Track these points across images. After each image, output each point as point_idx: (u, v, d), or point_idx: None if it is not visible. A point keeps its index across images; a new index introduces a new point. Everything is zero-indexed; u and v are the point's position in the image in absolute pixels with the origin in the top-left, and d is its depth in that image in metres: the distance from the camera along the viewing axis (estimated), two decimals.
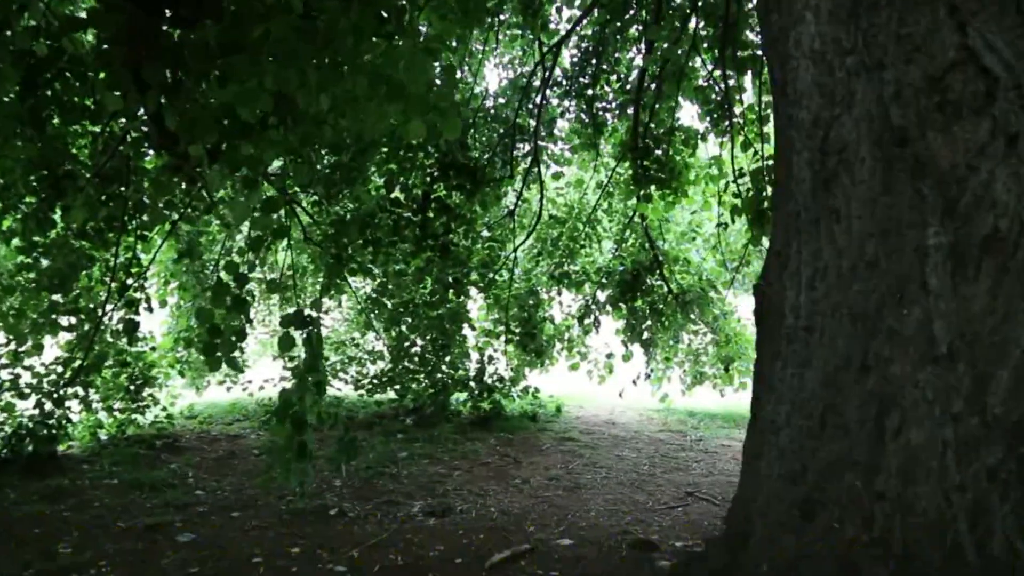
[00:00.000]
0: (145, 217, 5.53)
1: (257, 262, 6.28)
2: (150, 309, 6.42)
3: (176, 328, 8.16)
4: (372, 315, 8.38)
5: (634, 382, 8.97)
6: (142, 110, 4.07)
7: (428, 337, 8.26)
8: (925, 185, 1.98)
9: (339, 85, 3.44)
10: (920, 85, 2.01)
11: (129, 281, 5.98)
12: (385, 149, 7.21)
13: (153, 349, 7.49)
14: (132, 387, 7.07)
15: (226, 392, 8.56)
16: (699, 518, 5.52)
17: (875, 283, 2.06)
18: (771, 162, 7.23)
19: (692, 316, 8.69)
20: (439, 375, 8.37)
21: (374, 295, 8.00)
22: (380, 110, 3.54)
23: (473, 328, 8.39)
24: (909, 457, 1.93)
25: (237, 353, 4.95)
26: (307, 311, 4.42)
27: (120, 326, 6.03)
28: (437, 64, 5.60)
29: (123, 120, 5.05)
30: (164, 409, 7.55)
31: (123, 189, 5.33)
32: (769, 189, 5.74)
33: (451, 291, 7.95)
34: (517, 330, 8.73)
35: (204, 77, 3.60)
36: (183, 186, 5.46)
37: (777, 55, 2.52)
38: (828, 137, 2.24)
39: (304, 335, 4.43)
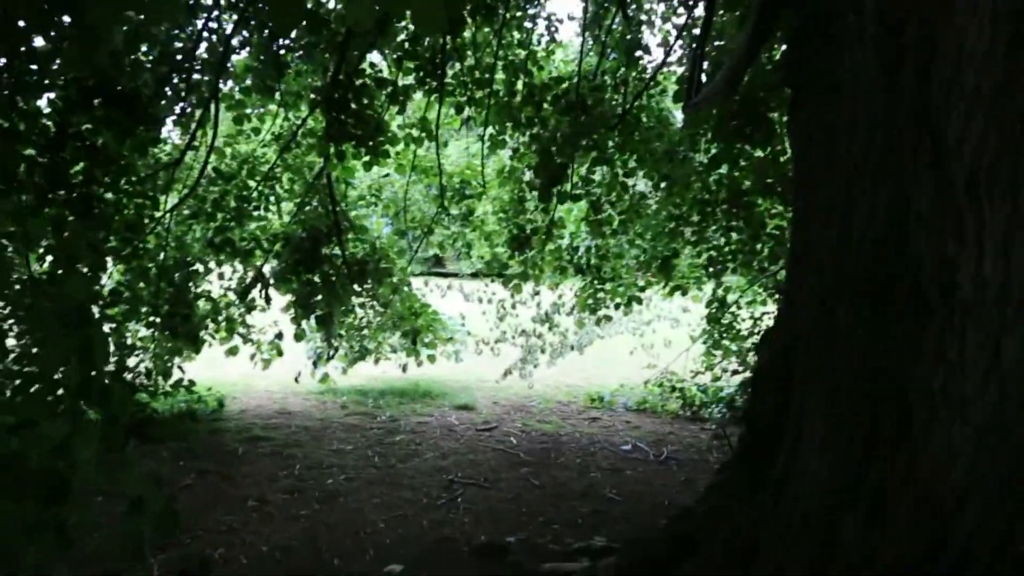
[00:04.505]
0: None
1: None
2: None
3: None
4: None
5: (315, 363, 7.97)
6: None
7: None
8: None
9: None
10: None
11: None
12: None
13: None
14: None
15: None
16: (494, 505, 5.17)
17: None
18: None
19: (366, 287, 8.06)
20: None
21: None
22: None
23: (136, 311, 6.35)
24: None
25: None
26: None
27: None
28: None
29: None
30: None
31: None
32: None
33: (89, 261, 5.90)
34: (163, 310, 6.93)
35: None
36: None
37: (921, 15, 2.38)
38: None
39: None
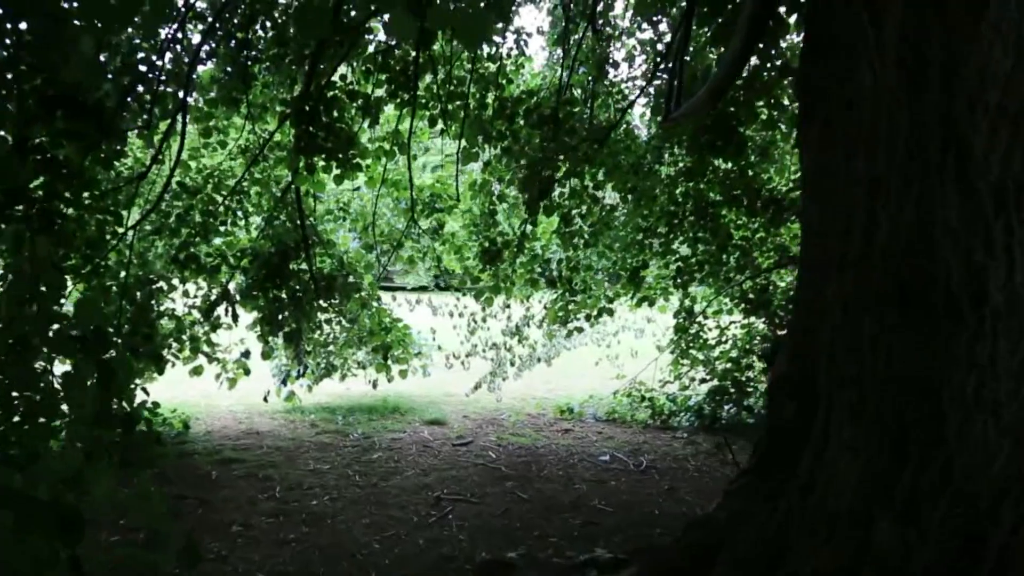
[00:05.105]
0: None
1: None
2: None
3: None
4: None
5: (284, 382, 7.75)
6: None
7: None
8: None
9: None
10: None
11: None
12: None
13: None
14: None
15: None
16: (486, 521, 5.12)
17: None
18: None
19: (333, 302, 7.91)
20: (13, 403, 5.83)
21: None
22: None
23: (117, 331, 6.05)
24: None
25: None
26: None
27: None
28: None
29: None
30: None
31: None
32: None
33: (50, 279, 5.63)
34: (125, 329, 6.65)
35: None
36: None
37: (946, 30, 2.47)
38: None
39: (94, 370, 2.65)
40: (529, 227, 7.84)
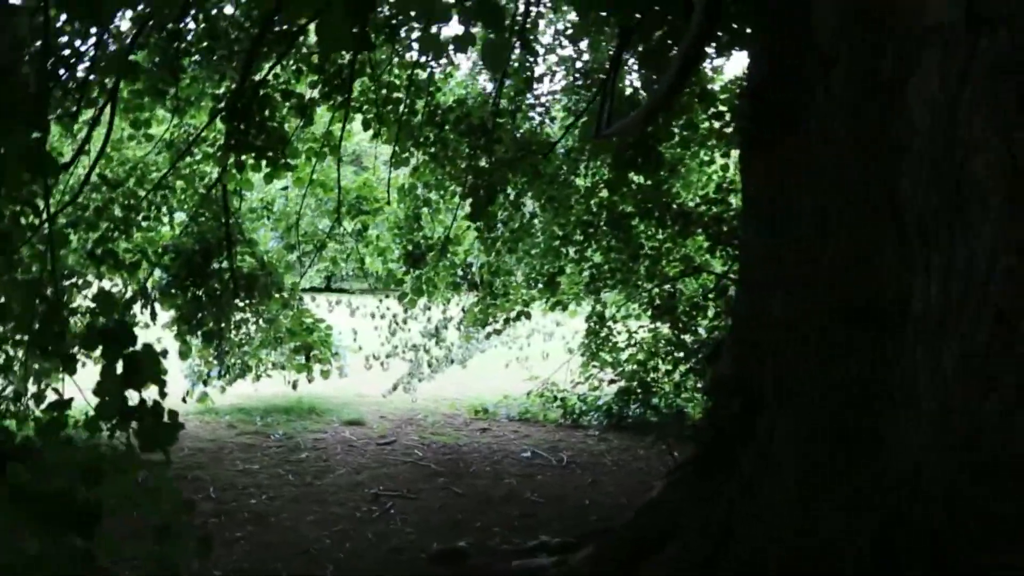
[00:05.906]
0: None
1: None
2: None
3: None
4: None
5: (204, 381, 7.56)
6: None
7: None
8: None
9: None
10: None
11: None
12: None
13: None
14: None
15: None
16: (427, 515, 5.32)
17: (1012, 287, 2.75)
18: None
19: (253, 302, 7.83)
20: None
21: None
22: None
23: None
24: None
25: None
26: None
27: None
28: None
29: None
30: None
31: None
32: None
33: None
34: (34, 327, 6.35)
35: None
36: None
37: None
38: (962, 175, 2.81)
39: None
40: (452, 232, 8.10)
